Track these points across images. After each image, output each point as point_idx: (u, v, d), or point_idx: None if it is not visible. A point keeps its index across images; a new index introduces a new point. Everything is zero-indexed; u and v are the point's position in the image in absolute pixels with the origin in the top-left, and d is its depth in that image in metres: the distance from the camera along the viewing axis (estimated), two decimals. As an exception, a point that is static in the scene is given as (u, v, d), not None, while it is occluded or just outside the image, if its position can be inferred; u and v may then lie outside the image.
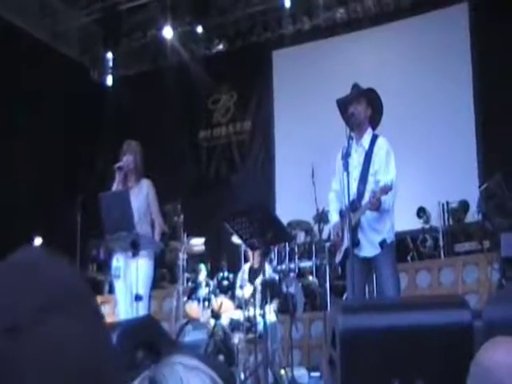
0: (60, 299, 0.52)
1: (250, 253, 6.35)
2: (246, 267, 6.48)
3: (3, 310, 0.50)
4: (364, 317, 2.50)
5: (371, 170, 4.48)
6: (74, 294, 0.54)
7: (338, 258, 4.61)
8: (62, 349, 0.50)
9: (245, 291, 6.03)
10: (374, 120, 4.63)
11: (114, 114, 10.16)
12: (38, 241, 7.89)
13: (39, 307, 0.51)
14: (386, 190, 4.12)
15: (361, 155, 4.54)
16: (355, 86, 4.65)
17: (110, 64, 10.69)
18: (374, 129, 4.63)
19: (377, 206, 4.23)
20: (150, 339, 3.29)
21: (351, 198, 4.30)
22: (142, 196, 5.15)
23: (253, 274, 6.21)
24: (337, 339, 2.36)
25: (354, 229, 4.33)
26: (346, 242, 4.42)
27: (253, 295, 5.57)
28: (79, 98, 9.47)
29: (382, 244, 4.38)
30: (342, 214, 4.58)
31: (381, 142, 4.52)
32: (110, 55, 10.60)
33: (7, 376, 0.48)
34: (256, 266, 6.23)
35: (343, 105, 4.59)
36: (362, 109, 4.53)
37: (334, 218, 4.69)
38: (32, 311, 0.50)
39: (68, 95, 9.27)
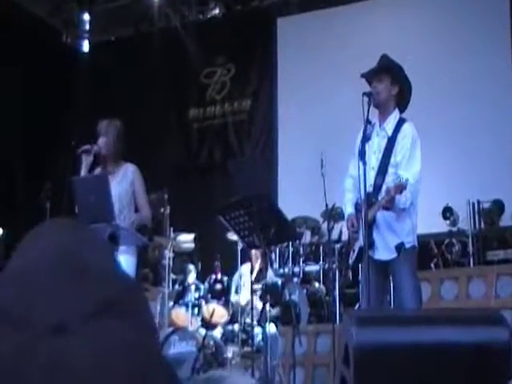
0: (111, 298, 0.56)
1: (253, 252, 6.31)
2: (242, 269, 6.48)
3: (51, 307, 0.54)
4: (383, 330, 2.49)
5: (392, 161, 4.45)
6: (124, 291, 0.58)
7: (352, 257, 4.62)
8: (112, 353, 0.54)
9: (241, 297, 6.04)
10: (403, 101, 4.59)
11: (90, 85, 10.13)
12: (-2, 232, 7.87)
13: (91, 308, 0.54)
14: (400, 188, 4.11)
15: (383, 140, 4.51)
16: (383, 58, 4.61)
17: (86, 27, 10.66)
18: (401, 111, 4.59)
19: (391, 205, 4.23)
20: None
21: (367, 191, 4.29)
22: (125, 183, 5.10)
23: (253, 276, 6.21)
24: (350, 356, 2.35)
25: (369, 227, 4.32)
26: (361, 241, 4.42)
27: (250, 302, 5.58)
28: (48, 66, 9.42)
29: (399, 248, 4.37)
30: (357, 207, 4.56)
31: (406, 129, 4.47)
32: (85, 16, 10.57)
33: (59, 375, 0.51)
34: (256, 267, 6.23)
35: (368, 81, 4.56)
36: (383, 88, 4.47)
37: (348, 209, 4.67)
38: (83, 311, 0.54)
39: (35, 62, 9.22)
